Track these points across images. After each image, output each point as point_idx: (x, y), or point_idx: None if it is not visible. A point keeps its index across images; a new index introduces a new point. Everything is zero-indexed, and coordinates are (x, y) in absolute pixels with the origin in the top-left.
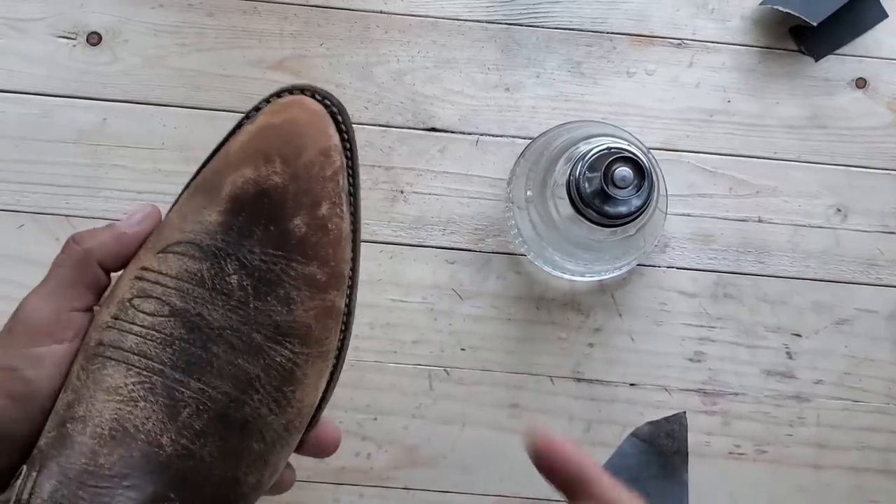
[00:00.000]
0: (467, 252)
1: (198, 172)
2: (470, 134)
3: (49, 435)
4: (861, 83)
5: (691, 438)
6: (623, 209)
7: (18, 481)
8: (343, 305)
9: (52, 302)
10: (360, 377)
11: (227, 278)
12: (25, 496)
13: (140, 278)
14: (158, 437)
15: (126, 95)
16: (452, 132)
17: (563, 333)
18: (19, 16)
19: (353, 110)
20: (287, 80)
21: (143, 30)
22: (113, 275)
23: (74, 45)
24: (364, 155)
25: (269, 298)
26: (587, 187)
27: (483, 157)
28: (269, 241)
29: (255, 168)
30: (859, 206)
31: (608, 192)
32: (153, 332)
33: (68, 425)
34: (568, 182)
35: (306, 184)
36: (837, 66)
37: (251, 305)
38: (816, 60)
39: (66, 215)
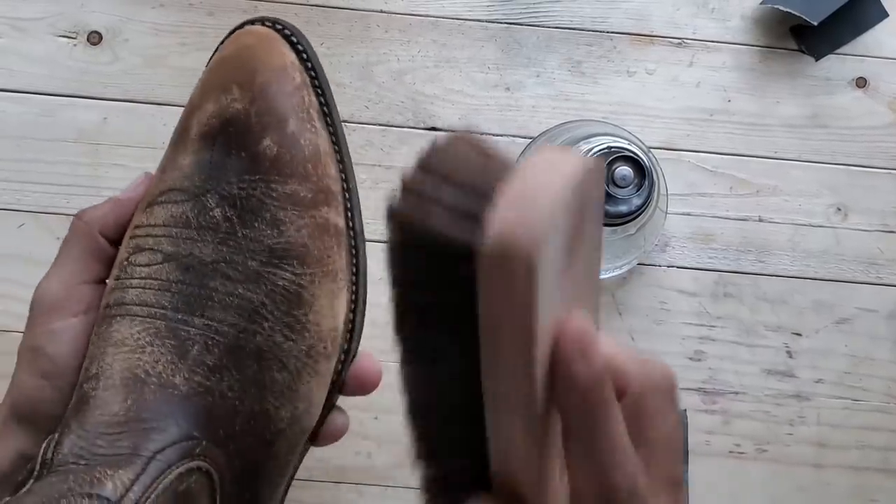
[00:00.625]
0: None
1: None
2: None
3: (71, 402)
4: (861, 83)
5: (691, 437)
6: (623, 208)
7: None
8: (342, 224)
9: (62, 278)
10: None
11: (210, 213)
12: (49, 455)
13: (133, 237)
14: (171, 377)
15: (127, 95)
16: (453, 132)
17: None
18: (20, 15)
19: (354, 110)
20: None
21: (144, 29)
22: None
23: (75, 45)
24: (364, 154)
25: (256, 224)
26: None
27: None
28: (243, 168)
29: (215, 101)
30: (860, 205)
31: (608, 191)
32: (150, 281)
33: (84, 386)
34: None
35: (267, 103)
36: (838, 65)
37: (240, 234)
38: (817, 60)
39: (67, 214)
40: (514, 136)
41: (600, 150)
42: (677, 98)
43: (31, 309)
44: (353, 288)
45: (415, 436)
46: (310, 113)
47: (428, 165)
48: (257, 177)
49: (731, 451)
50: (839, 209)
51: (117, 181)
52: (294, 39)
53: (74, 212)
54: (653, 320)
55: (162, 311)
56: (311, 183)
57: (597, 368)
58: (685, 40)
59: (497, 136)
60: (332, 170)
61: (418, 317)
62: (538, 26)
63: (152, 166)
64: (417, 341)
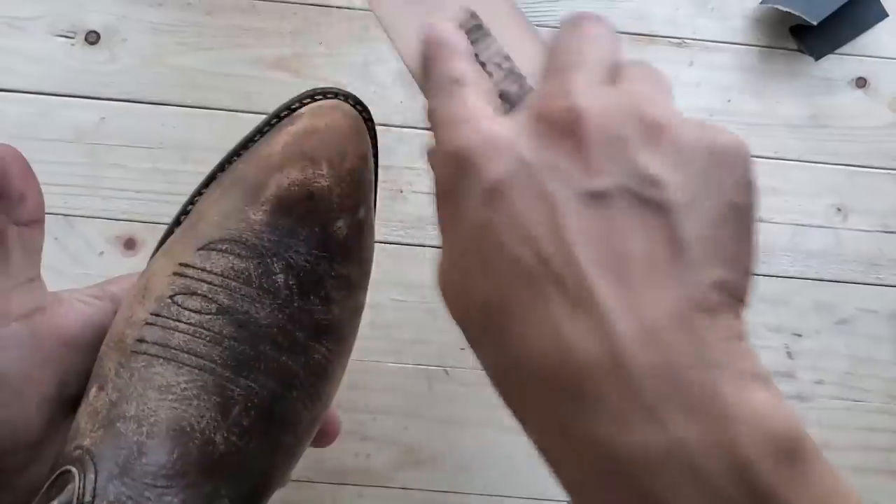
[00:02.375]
0: None
1: (221, 168)
2: None
3: (94, 434)
4: (861, 83)
5: None
6: None
7: (72, 484)
8: (365, 302)
9: None
10: (360, 377)
11: (273, 277)
12: (88, 498)
13: (180, 275)
14: (212, 434)
15: (124, 94)
16: None
17: None
18: (18, 15)
19: None
20: (287, 79)
21: (142, 29)
22: (138, 271)
23: (73, 44)
24: None
25: (311, 297)
26: None
27: None
28: (313, 242)
29: (301, 170)
30: (860, 205)
31: None
32: (202, 330)
33: (118, 424)
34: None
35: (349, 188)
36: (838, 65)
37: (295, 304)
38: (817, 60)
39: (65, 215)
40: None
41: None
42: (677, 98)
43: None
44: None
45: None
46: (372, 202)
47: None
48: (324, 254)
49: None
50: (839, 209)
51: (115, 181)
52: (370, 125)
53: (72, 212)
54: None
55: (211, 366)
56: (362, 269)
57: (440, 28)
58: (685, 40)
59: None
60: (372, 254)
61: None
62: (538, 26)
63: (150, 166)
64: None
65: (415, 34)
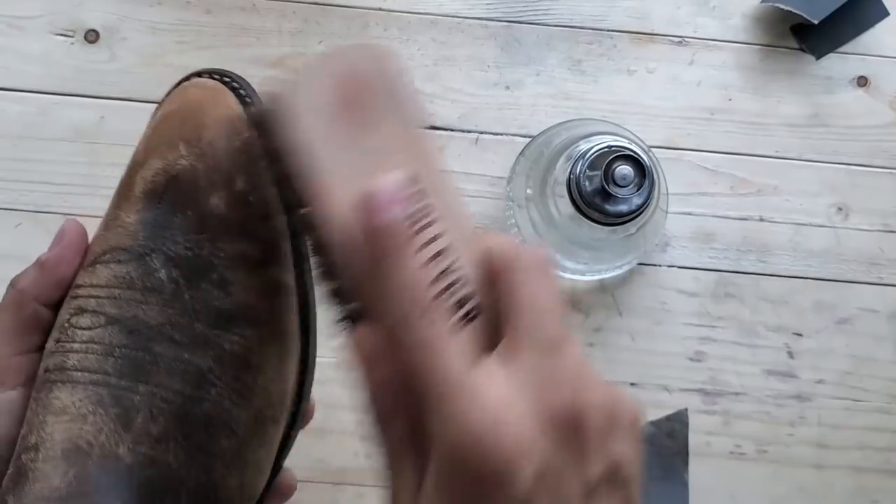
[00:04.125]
0: None
1: None
2: (470, 132)
3: (8, 474)
4: (862, 81)
5: (692, 438)
6: (623, 208)
7: None
8: (290, 281)
9: None
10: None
11: (155, 274)
12: None
13: (75, 297)
14: (114, 447)
15: (124, 93)
16: (452, 130)
17: None
18: (17, 13)
19: None
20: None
21: (142, 28)
22: None
23: (72, 43)
24: None
25: (202, 285)
26: (588, 186)
27: (483, 155)
28: (189, 227)
29: (160, 158)
30: (861, 204)
31: (609, 190)
32: (93, 345)
33: (22, 457)
34: (568, 180)
35: (214, 160)
36: (839, 64)
37: (186, 296)
38: (818, 59)
39: (65, 214)
40: (513, 134)
41: (601, 149)
42: (678, 97)
43: None
44: (303, 347)
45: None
46: (257, 168)
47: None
48: (204, 236)
49: (731, 452)
50: (840, 209)
51: (114, 180)
52: (242, 92)
53: (72, 211)
54: (653, 321)
55: (105, 378)
56: (261, 243)
57: (384, 217)
58: (686, 39)
59: (497, 134)
60: (282, 226)
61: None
62: (538, 24)
63: None
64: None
65: (347, 197)
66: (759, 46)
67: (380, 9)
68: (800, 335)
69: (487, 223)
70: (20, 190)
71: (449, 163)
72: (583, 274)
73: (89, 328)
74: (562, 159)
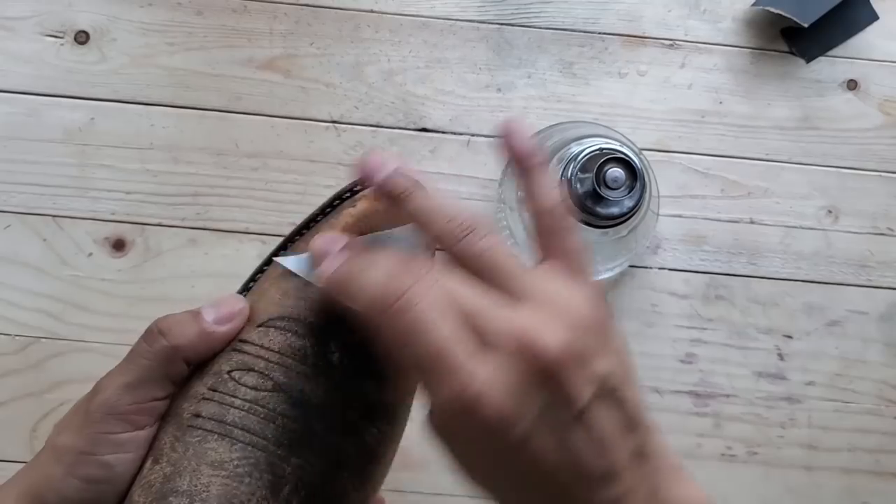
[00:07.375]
0: None
1: (283, 247)
2: (461, 134)
3: None
4: (852, 85)
5: (683, 440)
6: (615, 210)
7: None
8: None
9: (135, 393)
10: None
11: (328, 356)
12: None
13: (239, 350)
14: None
15: (114, 95)
16: (443, 132)
17: None
18: (7, 14)
19: (344, 110)
20: (278, 80)
21: (132, 29)
22: None
23: (62, 44)
24: (354, 155)
25: (365, 378)
26: (579, 188)
27: (474, 157)
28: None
29: None
30: (850, 207)
31: (600, 192)
32: (256, 407)
33: (171, 498)
34: (560, 183)
35: None
36: (829, 67)
37: (349, 384)
38: (808, 62)
39: (54, 215)
40: None
41: (592, 152)
42: (669, 99)
43: (90, 409)
44: None
45: None
46: None
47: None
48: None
49: (722, 454)
50: (830, 211)
51: (104, 182)
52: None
53: (61, 213)
54: (644, 322)
55: (264, 443)
56: None
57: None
58: (677, 42)
59: (488, 137)
60: None
61: None
62: (530, 27)
63: (140, 166)
64: None
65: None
66: (749, 50)
67: (371, 10)
68: (790, 337)
69: None
70: (9, 191)
71: (440, 165)
72: None
73: (254, 388)
74: (553, 162)
